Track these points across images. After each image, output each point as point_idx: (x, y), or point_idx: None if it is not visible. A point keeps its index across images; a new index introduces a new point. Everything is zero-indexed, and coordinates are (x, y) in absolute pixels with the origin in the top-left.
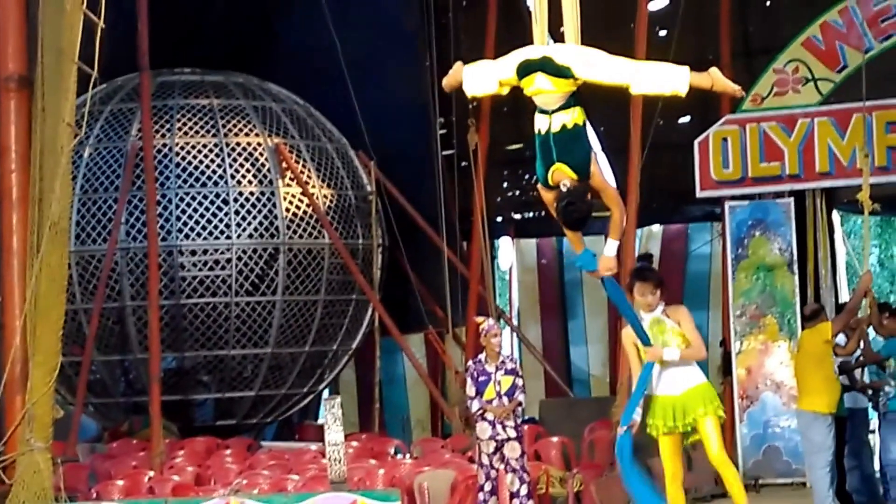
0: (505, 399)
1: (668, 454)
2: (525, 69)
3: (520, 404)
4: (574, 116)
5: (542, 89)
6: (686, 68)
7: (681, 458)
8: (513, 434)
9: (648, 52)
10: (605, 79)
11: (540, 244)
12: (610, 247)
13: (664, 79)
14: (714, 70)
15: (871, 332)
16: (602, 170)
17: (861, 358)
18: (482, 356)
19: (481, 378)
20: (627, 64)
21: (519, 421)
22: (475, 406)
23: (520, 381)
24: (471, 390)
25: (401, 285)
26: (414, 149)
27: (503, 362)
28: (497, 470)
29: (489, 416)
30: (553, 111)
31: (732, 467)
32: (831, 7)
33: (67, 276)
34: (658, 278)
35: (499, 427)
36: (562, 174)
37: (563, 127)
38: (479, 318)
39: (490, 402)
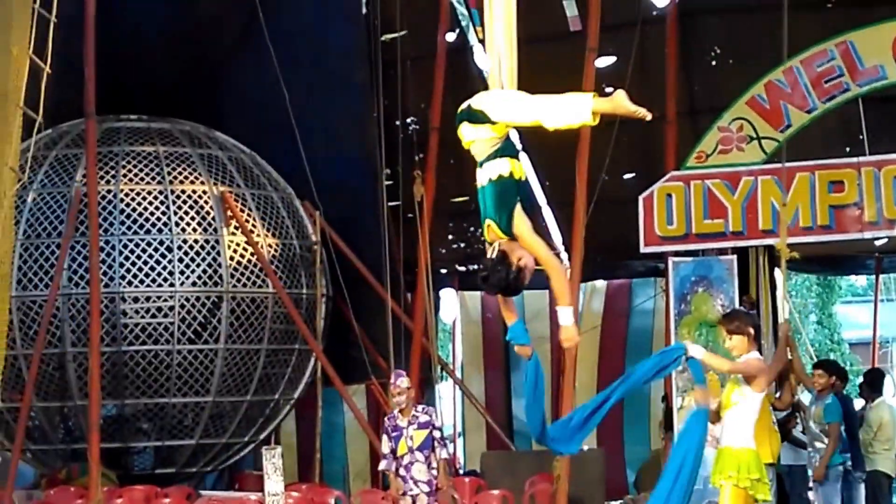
0: (418, 454)
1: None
2: (457, 121)
3: (446, 461)
4: (501, 168)
5: (466, 139)
6: (589, 95)
7: None
8: (425, 489)
9: None
10: (517, 119)
11: (484, 297)
12: (563, 316)
13: (569, 109)
14: (619, 93)
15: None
16: (529, 227)
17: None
18: (395, 411)
19: (394, 434)
20: (535, 100)
21: (435, 473)
22: (383, 465)
23: (437, 434)
24: (385, 447)
25: (344, 336)
26: (359, 199)
27: (415, 416)
28: None
29: (402, 471)
30: (482, 162)
31: None
32: (776, 67)
33: (8, 322)
34: (734, 325)
35: (410, 482)
36: (493, 233)
37: (490, 180)
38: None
39: (402, 457)
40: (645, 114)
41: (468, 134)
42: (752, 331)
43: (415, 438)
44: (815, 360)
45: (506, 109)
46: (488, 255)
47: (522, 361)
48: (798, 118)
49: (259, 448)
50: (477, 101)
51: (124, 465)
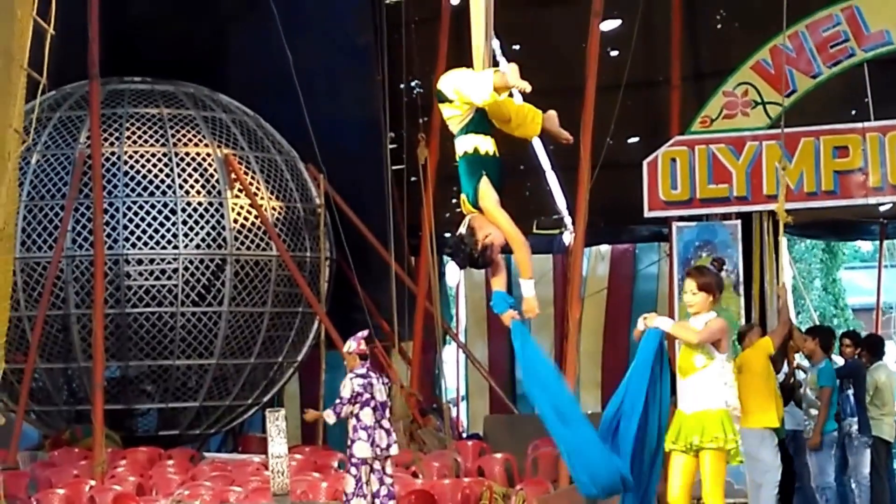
0: None
1: (674, 471)
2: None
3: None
4: (466, 145)
5: (444, 116)
6: (490, 72)
7: (688, 479)
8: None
9: (599, 72)
10: (461, 96)
11: None
12: (526, 287)
13: (477, 86)
14: (508, 67)
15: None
16: (495, 200)
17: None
18: None
19: None
20: (459, 77)
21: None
22: None
23: (336, 400)
24: None
25: (348, 299)
26: (364, 163)
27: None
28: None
29: None
30: (455, 138)
31: None
32: (781, 32)
33: (12, 283)
34: (705, 281)
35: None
36: (465, 208)
37: (459, 156)
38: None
39: None
40: (525, 87)
41: (443, 112)
42: (717, 293)
43: None
44: (820, 325)
45: (450, 87)
46: (458, 231)
47: (525, 325)
48: (803, 83)
49: (263, 410)
50: (439, 82)
51: (128, 426)
